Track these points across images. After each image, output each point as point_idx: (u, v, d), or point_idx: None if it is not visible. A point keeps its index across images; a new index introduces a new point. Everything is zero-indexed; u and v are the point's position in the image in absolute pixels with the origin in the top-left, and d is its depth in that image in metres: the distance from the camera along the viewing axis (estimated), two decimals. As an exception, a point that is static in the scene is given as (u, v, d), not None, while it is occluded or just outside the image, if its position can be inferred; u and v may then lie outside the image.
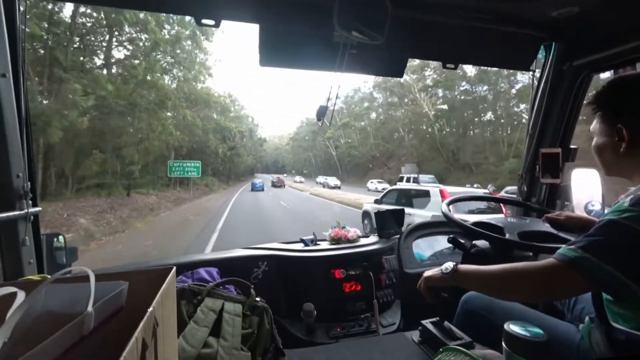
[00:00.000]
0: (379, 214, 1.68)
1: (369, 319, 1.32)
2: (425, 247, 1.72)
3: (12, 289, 0.40)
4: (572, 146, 1.52)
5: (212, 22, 1.08)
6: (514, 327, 0.59)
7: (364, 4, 0.97)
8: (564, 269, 0.63)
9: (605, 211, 0.92)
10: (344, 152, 47.86)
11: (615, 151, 0.74)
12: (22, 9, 0.97)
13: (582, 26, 1.27)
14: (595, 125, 0.81)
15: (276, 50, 1.20)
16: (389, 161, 40.50)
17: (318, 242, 1.61)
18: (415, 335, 0.94)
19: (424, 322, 0.93)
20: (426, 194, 6.43)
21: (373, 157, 42.81)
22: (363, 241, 1.61)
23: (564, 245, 0.68)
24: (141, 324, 0.35)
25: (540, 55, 1.49)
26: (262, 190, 27.41)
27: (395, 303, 1.49)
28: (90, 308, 0.38)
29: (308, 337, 1.26)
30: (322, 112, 1.19)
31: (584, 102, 1.46)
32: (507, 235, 1.05)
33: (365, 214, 8.30)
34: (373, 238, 1.65)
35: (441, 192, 6.21)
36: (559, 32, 1.33)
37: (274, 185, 32.17)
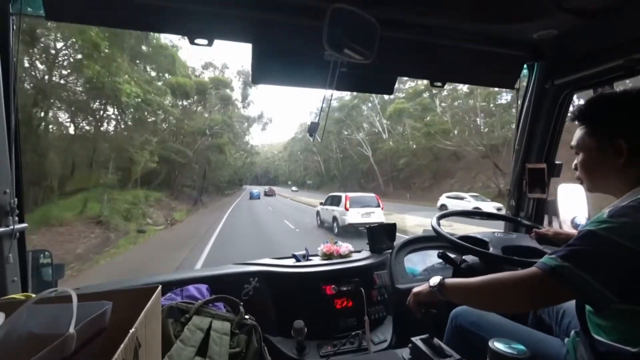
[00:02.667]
0: (371, 229, 1.68)
1: (360, 336, 1.30)
2: (417, 261, 1.72)
3: (-7, 310, 0.39)
4: (557, 162, 1.56)
5: (205, 42, 1.11)
6: (498, 345, 0.60)
7: (353, 24, 1.00)
8: (545, 277, 0.65)
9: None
10: (394, 150, 28.67)
11: (609, 166, 0.75)
12: (14, 26, 0.98)
13: (561, 47, 1.33)
14: (581, 139, 0.80)
15: (268, 68, 1.24)
16: (498, 156, 19.77)
17: (310, 258, 1.60)
18: (405, 352, 0.93)
19: (413, 339, 0.93)
20: (340, 197, 10.15)
21: (464, 153, 23.32)
22: (355, 256, 1.61)
23: (545, 255, 0.69)
24: (122, 346, 0.35)
25: (524, 74, 1.55)
26: (259, 198, 33.65)
27: (387, 319, 1.48)
28: (72, 329, 0.38)
29: (298, 356, 1.24)
30: (314, 128, 1.21)
31: (568, 117, 1.51)
32: (491, 250, 1.07)
33: (317, 213, 12.27)
34: (365, 253, 1.65)
35: (345, 197, 9.84)
36: (540, 52, 1.39)
37: (266, 194, 40.44)
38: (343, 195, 10.10)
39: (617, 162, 0.73)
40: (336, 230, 9.88)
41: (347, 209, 9.54)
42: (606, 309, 0.64)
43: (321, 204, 11.86)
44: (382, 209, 10.00)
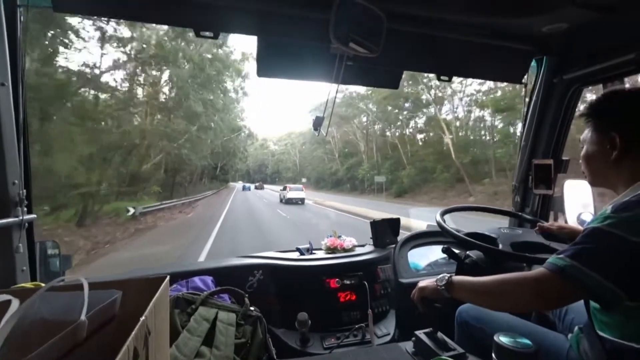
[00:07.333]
0: (374, 223, 1.68)
1: (364, 329, 1.31)
2: (421, 256, 1.72)
3: (6, 297, 0.40)
4: (564, 158, 1.54)
5: (210, 34, 1.11)
6: (503, 339, 0.60)
7: (359, 17, 0.99)
8: (555, 278, 0.64)
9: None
10: None
11: (605, 160, 0.77)
12: (23, 19, 0.98)
13: (571, 41, 1.31)
14: (586, 134, 0.83)
15: (274, 61, 1.23)
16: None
17: (314, 251, 1.61)
18: (409, 346, 0.94)
19: (417, 332, 0.93)
20: (286, 186, 23.67)
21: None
22: (358, 250, 1.61)
23: (553, 255, 0.69)
24: (133, 333, 0.36)
25: (532, 68, 1.53)
26: (250, 190, 47.37)
27: (390, 313, 1.49)
28: (83, 316, 0.39)
29: (302, 347, 1.25)
30: (319, 123, 1.20)
31: (576, 114, 1.50)
32: (500, 246, 1.06)
33: (279, 195, 24.85)
34: (369, 247, 1.66)
35: (287, 186, 23.43)
36: (549, 46, 1.36)
37: (256, 188, 55.52)
38: (287, 185, 23.42)
39: (611, 156, 0.75)
40: (284, 201, 21.47)
41: (287, 192, 21.64)
42: (616, 307, 0.64)
43: (281, 190, 24.74)
44: (304, 191, 22.39)
